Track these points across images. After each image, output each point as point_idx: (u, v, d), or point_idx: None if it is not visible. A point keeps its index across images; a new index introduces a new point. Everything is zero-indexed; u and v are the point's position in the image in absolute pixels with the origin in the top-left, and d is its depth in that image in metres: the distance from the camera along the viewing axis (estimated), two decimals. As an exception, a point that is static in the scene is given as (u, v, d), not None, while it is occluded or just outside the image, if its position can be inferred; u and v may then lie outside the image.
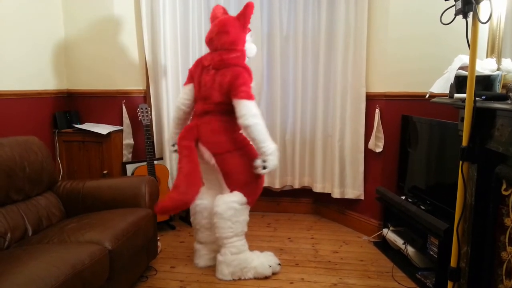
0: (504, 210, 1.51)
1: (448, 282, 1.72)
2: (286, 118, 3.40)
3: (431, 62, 2.63)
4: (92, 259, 1.71)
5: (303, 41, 3.23)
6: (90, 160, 3.01)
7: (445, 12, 1.61)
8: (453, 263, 1.70)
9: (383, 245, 2.82)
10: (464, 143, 1.61)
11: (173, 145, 2.58)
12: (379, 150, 2.94)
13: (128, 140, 3.18)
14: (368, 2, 2.90)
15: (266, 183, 3.41)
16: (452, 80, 1.84)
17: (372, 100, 2.97)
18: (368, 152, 3.05)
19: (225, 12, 2.49)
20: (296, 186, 3.45)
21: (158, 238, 2.57)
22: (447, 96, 1.90)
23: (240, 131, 2.40)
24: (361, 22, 2.95)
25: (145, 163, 3.05)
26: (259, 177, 2.38)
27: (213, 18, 2.44)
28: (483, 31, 2.14)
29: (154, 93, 3.25)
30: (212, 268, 2.49)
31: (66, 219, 2.28)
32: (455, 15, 1.56)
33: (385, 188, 2.83)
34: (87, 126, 3.03)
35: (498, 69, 1.90)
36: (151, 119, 3.20)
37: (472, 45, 1.53)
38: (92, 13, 3.05)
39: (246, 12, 2.32)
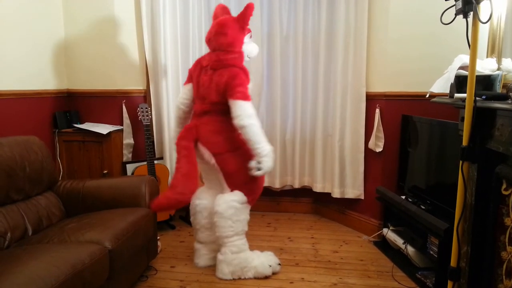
0: (504, 209, 1.51)
1: (448, 282, 1.72)
2: (286, 118, 3.40)
3: (431, 62, 2.63)
4: (92, 258, 1.71)
5: (303, 41, 3.23)
6: (90, 160, 3.01)
7: (445, 12, 1.61)
8: (453, 262, 1.70)
9: (383, 244, 2.82)
10: (464, 142, 1.61)
11: None
12: (379, 150, 2.94)
13: (128, 139, 3.18)
14: (368, 2, 2.90)
15: (266, 183, 3.41)
16: (452, 80, 1.84)
17: (372, 100, 2.97)
18: (368, 152, 3.05)
19: (227, 11, 2.48)
20: (296, 186, 3.45)
21: (158, 237, 2.57)
22: (447, 96, 1.90)
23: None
24: (361, 22, 2.95)
25: (145, 162, 3.05)
26: (259, 176, 2.38)
27: (215, 17, 2.45)
28: (484, 31, 2.14)
29: (154, 93, 3.25)
30: (212, 267, 2.49)
31: (66, 219, 2.28)
32: (455, 15, 1.56)
33: (385, 188, 2.83)
34: (87, 126, 3.03)
35: (499, 69, 1.90)
36: (151, 119, 3.20)
37: (472, 45, 1.53)
38: (92, 13, 3.05)
39: (245, 13, 2.32)
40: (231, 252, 2.35)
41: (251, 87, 2.38)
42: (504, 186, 1.51)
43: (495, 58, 2.03)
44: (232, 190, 2.35)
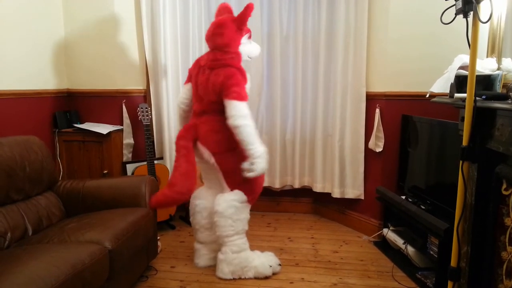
0: (504, 210, 1.51)
1: (448, 282, 1.72)
2: (286, 118, 3.40)
3: (431, 62, 2.63)
4: (92, 259, 1.71)
5: (303, 41, 3.23)
6: (90, 160, 3.01)
7: (445, 12, 1.61)
8: (453, 263, 1.70)
9: (383, 245, 2.82)
10: (465, 142, 1.61)
11: None
12: (379, 149, 2.93)
13: (128, 139, 3.18)
14: (368, 2, 2.90)
15: (266, 183, 3.42)
16: (452, 79, 1.84)
17: (372, 100, 2.97)
18: (368, 152, 3.05)
19: (228, 11, 2.46)
20: (296, 186, 3.45)
21: (158, 238, 2.57)
22: (447, 95, 1.90)
23: None
24: (361, 22, 2.94)
25: (145, 162, 3.05)
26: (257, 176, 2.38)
27: (216, 16, 2.45)
28: (484, 31, 2.13)
29: (154, 93, 3.25)
30: (212, 268, 2.49)
31: (66, 219, 2.28)
32: (456, 14, 1.56)
33: (385, 188, 2.83)
34: (87, 126, 3.03)
35: (499, 68, 1.90)
36: (151, 119, 3.20)
37: (472, 44, 1.53)
38: (92, 13, 3.05)
39: (243, 14, 2.30)
40: (231, 252, 2.35)
41: (249, 86, 2.39)
42: (504, 186, 1.51)
43: (495, 58, 2.03)
44: (232, 190, 2.35)
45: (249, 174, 2.21)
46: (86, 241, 1.86)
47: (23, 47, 2.72)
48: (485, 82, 1.80)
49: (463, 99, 1.61)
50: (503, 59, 2.02)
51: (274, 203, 3.61)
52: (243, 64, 2.41)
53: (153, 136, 3.24)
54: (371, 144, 2.98)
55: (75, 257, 1.66)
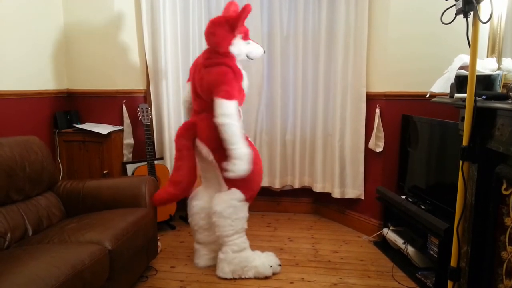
0: (504, 209, 1.51)
1: (448, 282, 1.72)
2: (286, 117, 3.40)
3: (431, 62, 2.63)
4: (92, 259, 1.71)
5: (304, 41, 3.23)
6: (90, 160, 3.01)
7: (446, 12, 1.61)
8: (453, 262, 1.70)
9: (383, 244, 2.82)
10: (465, 142, 1.61)
11: None
12: (379, 149, 2.93)
13: (128, 140, 3.18)
14: (368, 1, 2.90)
15: (266, 183, 3.42)
16: (452, 79, 1.84)
17: (372, 99, 2.97)
18: (368, 152, 3.05)
19: (235, 9, 2.46)
20: (296, 186, 3.45)
21: (158, 238, 2.57)
22: (447, 95, 1.90)
23: None
24: (361, 22, 2.94)
25: (145, 163, 3.05)
26: (256, 173, 2.38)
27: (223, 13, 2.44)
28: (484, 31, 2.13)
29: (155, 93, 3.25)
30: (212, 268, 2.49)
31: (66, 219, 2.28)
32: (456, 14, 1.56)
33: (385, 188, 2.83)
34: (87, 126, 3.03)
35: (499, 68, 1.89)
36: (151, 119, 3.21)
37: (472, 44, 1.53)
38: (92, 13, 3.05)
39: (237, 15, 2.28)
40: (232, 251, 2.35)
41: (246, 84, 2.39)
42: (504, 186, 1.51)
43: (495, 58, 2.03)
44: (229, 188, 2.35)
45: (228, 175, 2.21)
46: (86, 241, 1.86)
47: (23, 47, 2.72)
48: (485, 82, 1.80)
49: (463, 99, 1.61)
50: (503, 59, 2.02)
51: (274, 203, 3.61)
52: (243, 64, 2.41)
53: (153, 136, 3.24)
54: (371, 144, 2.98)
55: (75, 257, 1.66)
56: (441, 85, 1.98)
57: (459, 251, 1.69)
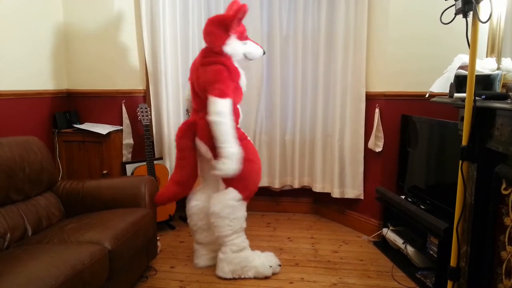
0: (504, 209, 1.51)
1: (448, 282, 1.73)
2: (286, 118, 3.40)
3: (431, 62, 2.63)
4: (92, 259, 1.71)
5: (303, 41, 3.23)
6: (90, 160, 3.01)
7: (445, 12, 1.61)
8: (452, 262, 1.70)
9: (383, 244, 2.82)
10: (464, 142, 1.61)
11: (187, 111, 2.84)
12: (378, 149, 2.94)
13: (127, 140, 3.18)
14: (368, 2, 2.90)
15: (266, 183, 3.42)
16: (452, 79, 1.84)
17: (372, 99, 2.97)
18: (367, 152, 3.05)
19: (235, 9, 2.45)
20: (296, 186, 3.45)
21: (158, 238, 2.57)
22: (447, 95, 1.90)
23: (238, 126, 2.42)
24: (361, 22, 2.95)
25: (144, 163, 3.05)
26: (254, 172, 2.38)
27: (226, 11, 2.44)
28: (483, 31, 2.14)
29: (154, 93, 3.25)
30: (212, 268, 2.49)
31: (66, 219, 2.28)
32: (455, 14, 1.56)
33: (385, 188, 2.83)
34: (87, 126, 3.03)
35: (498, 68, 1.90)
36: (150, 119, 3.21)
37: (472, 44, 1.53)
38: (92, 13, 3.05)
39: (232, 15, 2.27)
40: (231, 251, 2.35)
41: (244, 83, 2.40)
42: (503, 185, 1.51)
43: (494, 58, 2.03)
44: (226, 187, 2.35)
45: (215, 173, 2.24)
46: (86, 241, 1.86)
47: (23, 47, 2.72)
48: (485, 82, 1.80)
49: (463, 99, 1.61)
50: (502, 59, 2.02)
51: (273, 203, 3.61)
52: (242, 64, 2.41)
53: (152, 136, 3.24)
54: (370, 144, 2.98)
55: (75, 257, 1.66)
56: (441, 85, 1.98)
57: (459, 251, 1.69)
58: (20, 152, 2.17)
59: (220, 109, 2.21)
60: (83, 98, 3.19)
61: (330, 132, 3.23)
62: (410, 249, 2.43)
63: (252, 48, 2.44)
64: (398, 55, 2.77)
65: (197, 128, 2.37)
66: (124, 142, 3.15)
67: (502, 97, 1.60)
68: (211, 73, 2.27)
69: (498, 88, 1.79)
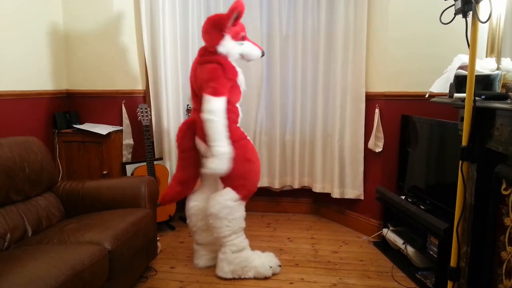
0: (504, 209, 1.51)
1: (448, 282, 1.72)
2: (286, 118, 3.40)
3: (431, 62, 2.63)
4: (92, 259, 1.71)
5: (303, 41, 3.23)
6: (90, 161, 3.01)
7: (445, 12, 1.61)
8: (453, 263, 1.70)
9: (383, 245, 2.81)
10: (464, 142, 1.61)
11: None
12: (378, 150, 2.93)
13: (127, 140, 3.18)
14: (367, 2, 2.90)
15: (265, 183, 3.42)
16: (451, 79, 1.84)
17: (371, 100, 2.97)
18: (367, 152, 3.05)
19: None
20: (296, 186, 3.45)
21: (158, 238, 2.57)
22: (446, 95, 1.90)
23: (238, 125, 2.42)
24: (360, 22, 2.95)
25: (144, 163, 3.04)
26: (253, 172, 2.38)
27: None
28: (483, 31, 2.14)
29: (154, 93, 3.25)
30: (212, 268, 2.49)
31: (66, 220, 2.28)
32: (455, 14, 1.56)
33: (385, 188, 2.83)
34: (86, 127, 3.03)
35: (498, 68, 1.90)
36: (150, 119, 3.21)
37: (471, 44, 1.53)
38: (92, 13, 3.05)
39: (226, 15, 2.27)
40: (231, 252, 2.35)
41: (242, 81, 2.40)
42: (503, 186, 1.51)
43: (494, 58, 2.03)
44: (224, 186, 2.35)
45: (205, 171, 2.27)
46: (86, 241, 1.86)
47: (23, 47, 2.72)
48: (485, 82, 1.80)
49: (463, 99, 1.61)
50: (502, 59, 2.02)
51: (273, 203, 3.61)
52: (241, 63, 2.41)
53: (152, 136, 3.24)
54: (370, 144, 2.98)
55: (75, 257, 1.66)
56: (441, 85, 1.98)
57: (459, 251, 1.69)
58: (20, 152, 2.17)
59: (213, 107, 2.21)
60: (83, 98, 3.19)
61: (330, 132, 3.23)
62: (410, 250, 2.43)
63: (249, 49, 2.43)
64: (398, 55, 2.77)
65: (197, 128, 2.37)
66: (124, 142, 3.15)
67: (502, 97, 1.60)
68: (206, 71, 2.28)
69: (498, 88, 1.79)
